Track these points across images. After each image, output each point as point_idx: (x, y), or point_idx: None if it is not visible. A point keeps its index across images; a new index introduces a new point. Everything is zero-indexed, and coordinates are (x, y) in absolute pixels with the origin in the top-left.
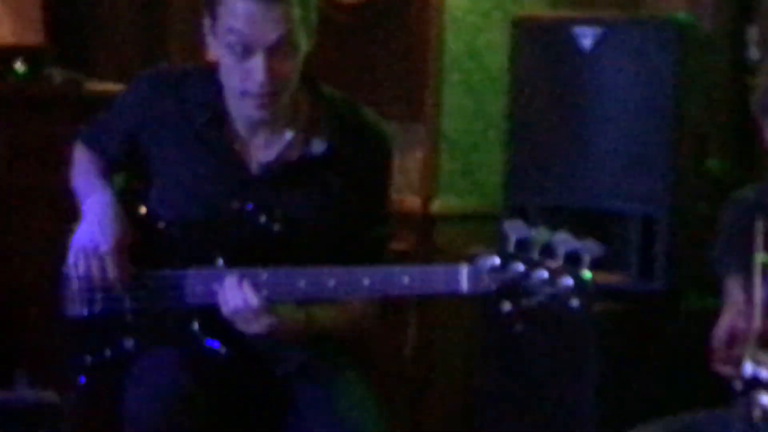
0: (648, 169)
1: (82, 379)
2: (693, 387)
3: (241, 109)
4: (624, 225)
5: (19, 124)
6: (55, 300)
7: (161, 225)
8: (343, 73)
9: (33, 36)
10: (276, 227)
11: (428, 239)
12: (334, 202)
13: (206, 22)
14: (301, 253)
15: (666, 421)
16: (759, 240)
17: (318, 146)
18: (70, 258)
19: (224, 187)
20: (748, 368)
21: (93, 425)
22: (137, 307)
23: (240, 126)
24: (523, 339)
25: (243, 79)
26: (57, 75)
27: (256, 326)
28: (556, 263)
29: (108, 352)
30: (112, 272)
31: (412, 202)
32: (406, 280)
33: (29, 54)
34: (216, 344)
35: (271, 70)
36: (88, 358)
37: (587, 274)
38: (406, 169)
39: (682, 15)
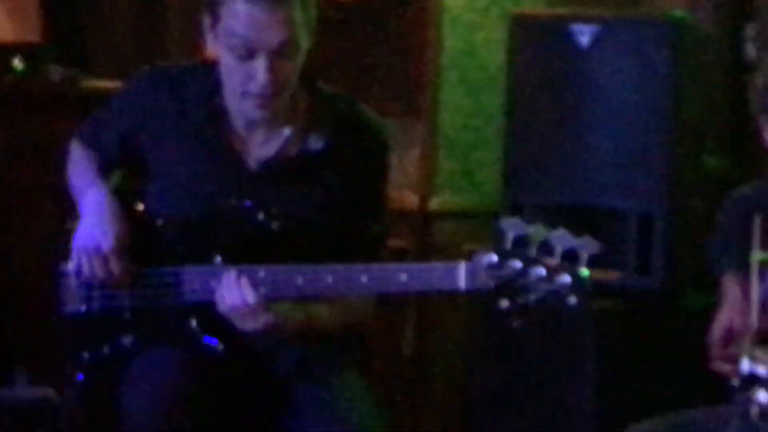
0: (645, 167)
1: (81, 377)
2: (691, 384)
3: (241, 108)
4: (621, 222)
5: (17, 122)
6: (53, 297)
7: (159, 222)
8: (341, 70)
9: (31, 33)
10: (274, 225)
11: (426, 237)
12: (332, 199)
13: (207, 21)
14: (299, 250)
15: (664, 419)
16: (756, 238)
17: (316, 143)
18: (73, 259)
19: (222, 184)
20: (745, 365)
21: (91, 422)
22: (136, 304)
23: (238, 123)
24: (521, 337)
25: (244, 80)
26: (55, 72)
27: (253, 324)
28: (554, 260)
29: (106, 350)
30: (114, 270)
31: (410, 199)
32: (404, 277)
33: (27, 51)
34: (214, 341)
35: (273, 73)
36: (87, 356)
37: (584, 271)
38: (404, 167)
39: (679, 13)
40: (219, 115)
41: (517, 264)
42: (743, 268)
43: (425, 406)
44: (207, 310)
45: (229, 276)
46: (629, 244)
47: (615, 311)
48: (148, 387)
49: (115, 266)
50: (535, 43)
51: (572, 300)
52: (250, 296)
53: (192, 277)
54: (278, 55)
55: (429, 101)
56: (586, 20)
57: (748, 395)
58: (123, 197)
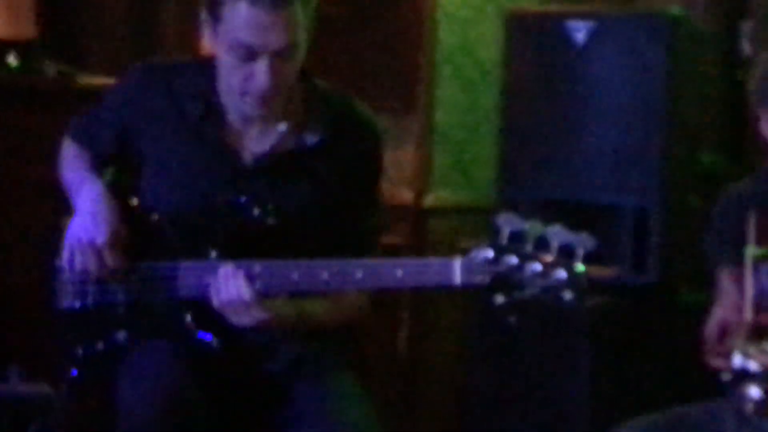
0: (641, 163)
1: (75, 372)
2: (686, 380)
3: (239, 106)
4: (617, 218)
5: (11, 118)
6: (47, 293)
7: (154, 217)
8: (336, 67)
9: (25, 29)
10: (269, 220)
11: (421, 233)
12: (327, 194)
13: (207, 20)
14: (295, 245)
15: (659, 414)
16: (750, 233)
17: (311, 138)
18: (66, 251)
19: (217, 179)
20: (737, 360)
21: (85, 418)
22: (130, 299)
23: (233, 118)
24: (517, 334)
25: (245, 80)
26: (49, 68)
27: (246, 318)
28: (550, 256)
29: (100, 345)
30: (107, 264)
31: (405, 195)
32: (399, 273)
33: (21, 47)
34: (208, 337)
35: (274, 74)
36: (81, 351)
37: (580, 267)
38: (399, 163)
39: (675, 9)
40: (214, 110)
41: (513, 259)
42: (738, 263)
43: (421, 405)
44: (202, 305)
45: (225, 270)
46: (625, 240)
47: (611, 307)
48: (143, 382)
49: (109, 260)
50: (531, 39)
51: (568, 295)
52: (245, 291)
53: (187, 272)
54: (280, 56)
55: (424, 97)
56: (582, 17)
57: (741, 391)
58: (118, 192)
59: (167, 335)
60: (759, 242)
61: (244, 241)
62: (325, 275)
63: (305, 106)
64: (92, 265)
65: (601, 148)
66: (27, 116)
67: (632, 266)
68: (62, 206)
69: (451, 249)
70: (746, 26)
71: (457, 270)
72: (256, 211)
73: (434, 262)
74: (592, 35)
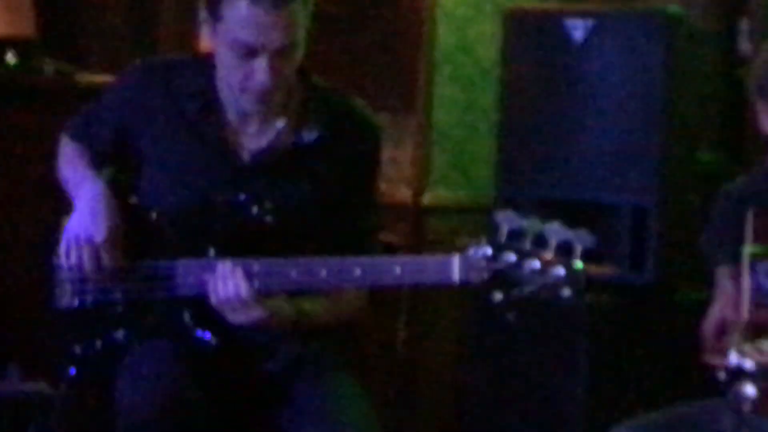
0: (639, 161)
1: (73, 371)
2: (684, 378)
3: (238, 102)
4: (615, 217)
5: (10, 116)
6: (46, 292)
7: (152, 216)
8: (335, 65)
9: (24, 28)
10: (268, 218)
11: (419, 231)
12: (324, 191)
13: (206, 18)
14: (293, 244)
15: (657, 412)
16: (748, 231)
17: (309, 135)
18: (63, 247)
19: (216, 176)
20: (733, 358)
21: (84, 416)
22: (128, 298)
23: (232, 115)
24: (515, 333)
25: (245, 78)
26: (48, 66)
27: (244, 317)
28: (548, 253)
29: (99, 344)
30: (105, 262)
31: (403, 194)
32: (397, 270)
33: (20, 45)
34: (207, 335)
35: (273, 72)
36: (79, 350)
37: (579, 264)
38: (398, 162)
39: (673, 7)
40: (213, 108)
41: (512, 257)
42: (736, 261)
43: (420, 404)
44: (200, 303)
45: (224, 267)
46: (623, 238)
47: (609, 305)
48: (142, 381)
49: (106, 259)
50: (529, 38)
51: (566, 292)
52: (244, 289)
53: (185, 271)
54: (279, 55)
55: (423, 96)
56: (580, 15)
57: (736, 389)
58: (116, 191)
59: (166, 334)
60: (757, 240)
61: (242, 239)
62: (323, 273)
63: (304, 103)
64: (88, 263)
65: (600, 147)
66: (26, 115)
67: (631, 265)
68: (61, 205)
69: (450, 248)
70: (745, 25)
71: (455, 267)
72: (254, 210)
73: (433, 259)
74: (591, 33)
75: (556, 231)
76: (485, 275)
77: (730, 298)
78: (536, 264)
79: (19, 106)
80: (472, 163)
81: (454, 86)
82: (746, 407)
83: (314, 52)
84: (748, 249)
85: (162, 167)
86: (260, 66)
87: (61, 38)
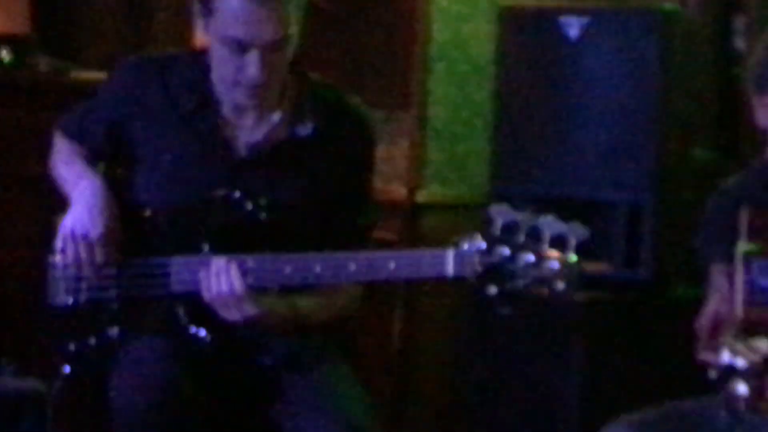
0: (634, 159)
1: (67, 368)
2: (678, 375)
3: (232, 96)
4: (610, 214)
5: (4, 113)
6: (40, 289)
7: (147, 212)
8: (330, 62)
9: (19, 25)
10: (262, 215)
11: (414, 229)
12: (319, 188)
13: (199, 13)
14: (288, 240)
15: (651, 409)
16: (742, 228)
17: (304, 128)
18: (59, 242)
19: (211, 171)
20: (725, 357)
21: (78, 414)
22: (122, 295)
23: (227, 109)
24: (509, 328)
25: (237, 71)
26: (43, 63)
27: (237, 313)
28: (542, 246)
29: (93, 341)
30: (100, 259)
31: (398, 191)
32: (392, 264)
33: (15, 42)
34: (201, 332)
35: (265, 66)
36: (73, 347)
37: (573, 257)
38: (393, 159)
39: (668, 4)
40: (208, 103)
41: (506, 250)
42: (730, 258)
43: (414, 399)
44: (194, 300)
45: (218, 264)
46: (618, 235)
47: (603, 302)
48: (136, 378)
49: (101, 255)
50: (524, 34)
51: (560, 286)
52: (238, 285)
53: (179, 268)
54: (270, 49)
55: (417, 93)
56: (575, 12)
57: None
58: (111, 187)
59: (160, 331)
60: (750, 238)
61: (236, 236)
62: (317, 268)
63: (299, 98)
64: (83, 258)
65: (595, 144)
66: (21, 112)
67: (625, 262)
68: (55, 202)
69: (445, 245)
70: (740, 21)
71: (449, 261)
72: (248, 206)
73: (427, 253)
74: (586, 31)
75: (550, 224)
76: (479, 269)
77: (723, 295)
78: (530, 257)
79: (14, 103)
80: (467, 160)
81: (449, 83)
82: (739, 405)
83: (309, 49)
84: (742, 247)
85: (157, 163)
86: (252, 60)
87: (56, 35)
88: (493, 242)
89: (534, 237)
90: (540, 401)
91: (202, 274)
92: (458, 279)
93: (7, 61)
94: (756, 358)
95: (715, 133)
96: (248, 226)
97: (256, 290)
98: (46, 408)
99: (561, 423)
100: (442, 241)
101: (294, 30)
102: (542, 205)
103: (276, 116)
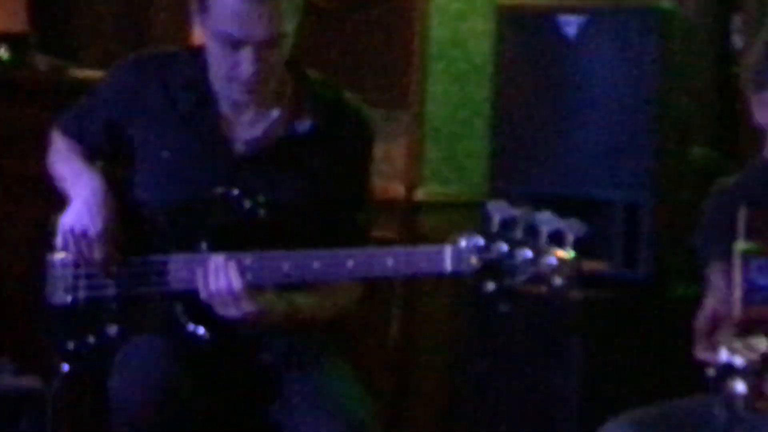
0: (632, 158)
1: (66, 367)
2: (676, 374)
3: (228, 92)
4: (608, 212)
5: (3, 111)
6: (39, 288)
7: (145, 209)
8: (327, 60)
9: (17, 23)
10: (261, 213)
11: (412, 227)
12: (318, 185)
13: (195, 9)
14: (286, 238)
15: (649, 408)
16: (740, 228)
17: (302, 125)
18: (59, 238)
19: (210, 168)
20: (723, 355)
21: (77, 412)
22: (122, 293)
23: (225, 107)
24: (508, 327)
25: (231, 68)
26: (41, 62)
27: (235, 311)
28: (540, 242)
29: (92, 339)
30: (98, 256)
31: (396, 190)
32: (390, 261)
33: (13, 41)
34: (200, 330)
35: (259, 63)
36: (72, 346)
37: (570, 252)
38: (391, 157)
39: (666, 3)
40: (206, 100)
41: (503, 246)
42: (728, 257)
43: (413, 396)
44: (193, 298)
45: (217, 261)
46: (616, 234)
47: (601, 301)
48: (135, 376)
49: (99, 251)
50: (522, 33)
51: (558, 281)
52: (236, 282)
53: (178, 265)
54: (264, 46)
55: (416, 92)
56: (573, 11)
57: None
58: (109, 185)
59: (158, 329)
60: (748, 237)
61: (235, 233)
62: (316, 265)
63: (297, 95)
64: (82, 255)
65: (593, 143)
66: (19, 110)
67: (623, 261)
68: (55, 201)
69: (442, 244)
70: (737, 20)
71: (447, 257)
72: (247, 204)
73: (425, 250)
74: (584, 29)
75: (547, 220)
76: (477, 265)
77: (721, 294)
78: (528, 253)
79: (13, 102)
80: (466, 158)
81: (447, 82)
82: (737, 404)
83: (307, 47)
84: (740, 245)
85: (156, 161)
86: (245, 57)
87: (54, 33)
88: (490, 238)
89: (532, 233)
90: (539, 400)
91: (200, 272)
92: (456, 275)
93: (6, 59)
94: (754, 356)
95: (714, 131)
96: (247, 224)
97: (254, 288)
98: (45, 407)
99: (560, 421)
100: (441, 240)
101: (289, 28)
102: (541, 203)
103: (274, 113)
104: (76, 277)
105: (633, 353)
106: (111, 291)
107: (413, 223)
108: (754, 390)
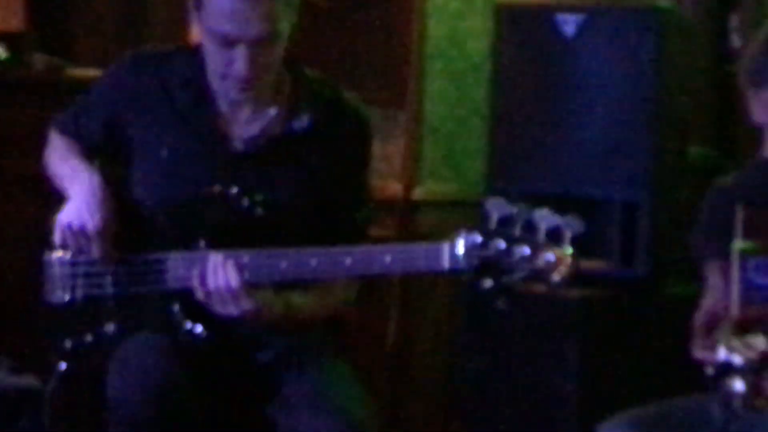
0: (630, 156)
1: (64, 365)
2: (674, 372)
3: (224, 90)
4: (606, 211)
5: (0, 110)
6: (36, 286)
7: (143, 208)
8: (325, 59)
9: (15, 22)
10: (258, 211)
11: (410, 226)
12: (316, 183)
13: (191, 8)
14: (284, 236)
15: (646, 407)
16: (738, 227)
17: (300, 123)
18: (57, 235)
19: (207, 166)
20: (721, 354)
21: (74, 411)
22: (119, 291)
23: (223, 105)
24: (505, 325)
25: (226, 65)
26: (39, 61)
27: (233, 309)
28: (538, 239)
29: (89, 338)
30: (96, 253)
31: (394, 188)
32: (387, 258)
33: (11, 40)
34: (197, 328)
35: (253, 61)
36: (70, 344)
37: (568, 249)
38: (389, 156)
39: (664, 2)
40: (204, 98)
41: (501, 244)
42: (726, 256)
43: (410, 395)
44: (190, 296)
45: (215, 259)
46: (613, 233)
47: (599, 299)
48: (133, 374)
49: (97, 248)
50: (520, 32)
51: (556, 278)
52: (234, 280)
53: (176, 263)
54: (259, 45)
55: (413, 90)
56: (571, 10)
57: (725, 384)
58: (108, 183)
59: (156, 327)
60: (746, 236)
61: (232, 232)
62: (313, 262)
63: (294, 93)
64: (79, 252)
65: (590, 142)
66: (17, 109)
67: (621, 259)
68: (51, 200)
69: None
70: (735, 19)
71: (445, 255)
72: (245, 202)
73: (422, 247)
74: (582, 28)
75: (545, 217)
76: (475, 263)
77: (719, 293)
78: (526, 250)
79: (10, 101)
80: (463, 157)
81: (445, 80)
82: (736, 402)
83: (305, 46)
84: (737, 245)
85: (153, 158)
86: (239, 55)
87: (51, 32)
88: (488, 235)
89: (529, 230)
90: (537, 398)
91: (198, 270)
92: (454, 273)
93: (3, 58)
94: (752, 355)
95: (712, 130)
96: (245, 222)
97: (252, 286)
98: (42, 405)
99: (558, 420)
100: (438, 238)
101: (284, 26)
102: (538, 202)
103: (272, 111)
104: (73, 276)
105: (631, 352)
106: (109, 289)
107: (411, 221)
108: (753, 388)
